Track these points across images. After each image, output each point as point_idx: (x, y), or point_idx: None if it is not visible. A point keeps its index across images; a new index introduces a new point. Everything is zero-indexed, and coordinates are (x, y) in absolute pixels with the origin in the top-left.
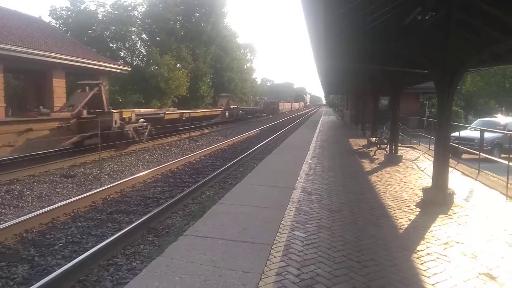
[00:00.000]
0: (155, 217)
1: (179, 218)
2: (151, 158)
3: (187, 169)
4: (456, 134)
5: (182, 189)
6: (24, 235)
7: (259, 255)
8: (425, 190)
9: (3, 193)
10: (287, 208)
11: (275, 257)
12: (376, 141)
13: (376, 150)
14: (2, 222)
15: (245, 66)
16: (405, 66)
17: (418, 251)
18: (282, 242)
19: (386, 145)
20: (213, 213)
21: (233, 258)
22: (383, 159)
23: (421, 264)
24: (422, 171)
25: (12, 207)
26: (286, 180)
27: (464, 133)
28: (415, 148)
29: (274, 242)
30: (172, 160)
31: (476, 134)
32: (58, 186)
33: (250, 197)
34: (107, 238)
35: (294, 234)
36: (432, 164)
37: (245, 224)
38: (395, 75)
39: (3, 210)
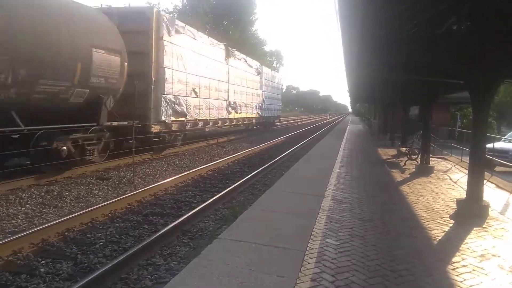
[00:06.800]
0: (189, 220)
1: (211, 222)
2: (181, 163)
3: (216, 174)
4: (490, 145)
5: (212, 194)
6: (66, 233)
7: (292, 261)
8: (459, 202)
9: (43, 194)
10: (318, 215)
11: (309, 263)
12: (407, 151)
13: (407, 160)
14: (45, 221)
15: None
16: (439, 76)
17: (454, 262)
18: (315, 249)
19: (417, 156)
20: (245, 218)
21: (267, 262)
22: (414, 169)
23: (457, 275)
24: (455, 182)
25: (52, 207)
26: (316, 188)
27: (498, 144)
28: (447, 159)
29: (307, 249)
30: (201, 166)
31: (510, 146)
32: (94, 188)
33: (280, 203)
34: (144, 239)
35: (327, 242)
36: (465, 176)
37: (277, 230)
38: (428, 84)
39: (44, 210)
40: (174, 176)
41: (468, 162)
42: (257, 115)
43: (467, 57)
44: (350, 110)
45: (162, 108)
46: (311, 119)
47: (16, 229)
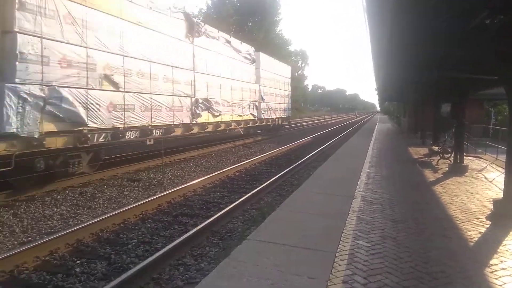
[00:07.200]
0: (218, 221)
1: (240, 223)
2: (209, 164)
3: (243, 175)
4: None
5: (240, 195)
6: (100, 234)
7: (323, 262)
8: (495, 202)
9: (77, 195)
10: (348, 217)
11: (339, 265)
12: (439, 150)
13: (439, 159)
14: (79, 221)
15: (296, 74)
16: (471, 72)
17: (492, 265)
18: (346, 250)
19: (449, 154)
20: (273, 219)
21: (297, 263)
22: (447, 169)
23: (496, 278)
24: (491, 182)
25: (86, 208)
26: (345, 189)
27: None
28: (481, 158)
29: (338, 250)
30: (229, 167)
31: None
32: (125, 189)
33: (308, 204)
34: (175, 239)
35: (358, 243)
36: (501, 175)
37: (306, 231)
38: (461, 81)
39: (78, 211)
40: (202, 177)
41: (504, 160)
42: (252, 117)
43: (501, 52)
44: (378, 108)
45: (8, 111)
46: (338, 118)
47: (52, 230)
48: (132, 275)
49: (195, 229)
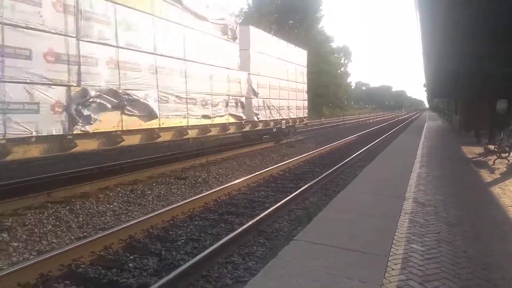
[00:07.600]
0: (263, 220)
1: (286, 223)
2: (252, 163)
3: (287, 174)
4: None
5: (285, 194)
6: (151, 230)
7: (374, 266)
8: None
9: (128, 192)
10: (400, 219)
11: (393, 269)
12: (496, 149)
13: (496, 159)
14: (131, 218)
15: (338, 71)
16: None
17: None
18: (399, 254)
19: (507, 154)
20: (320, 220)
21: (346, 266)
22: (505, 169)
23: None
24: None
25: (136, 205)
26: (394, 189)
27: None
28: None
29: (390, 254)
30: (272, 165)
31: None
32: (173, 187)
33: (356, 205)
34: (222, 238)
35: (412, 247)
36: None
37: (355, 232)
38: None
39: (130, 207)
40: (246, 176)
41: None
42: (234, 120)
43: None
44: (427, 105)
45: None
46: (384, 116)
47: (105, 226)
48: (183, 271)
49: (241, 228)
